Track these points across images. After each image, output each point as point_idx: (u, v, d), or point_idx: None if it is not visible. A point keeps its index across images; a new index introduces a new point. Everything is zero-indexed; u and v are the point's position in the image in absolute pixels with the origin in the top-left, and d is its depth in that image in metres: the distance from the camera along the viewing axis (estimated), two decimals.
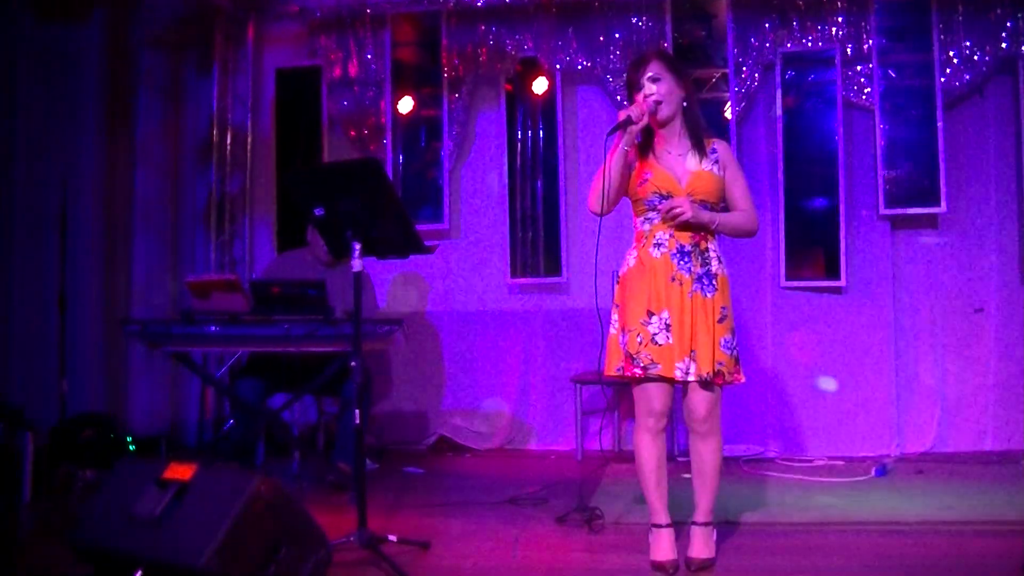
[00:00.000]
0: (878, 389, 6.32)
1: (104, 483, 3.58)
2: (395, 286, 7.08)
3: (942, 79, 6.20)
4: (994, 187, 6.34)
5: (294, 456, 5.93)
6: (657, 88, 3.63)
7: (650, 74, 3.64)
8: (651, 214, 3.70)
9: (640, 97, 3.64)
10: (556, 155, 6.79)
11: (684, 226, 3.63)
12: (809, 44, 6.43)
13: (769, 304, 6.48)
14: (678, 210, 3.59)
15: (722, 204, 3.77)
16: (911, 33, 6.28)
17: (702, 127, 3.78)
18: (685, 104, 3.72)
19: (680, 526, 3.84)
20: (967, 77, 6.24)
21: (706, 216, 3.64)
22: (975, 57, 6.20)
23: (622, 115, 3.57)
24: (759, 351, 6.47)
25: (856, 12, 6.37)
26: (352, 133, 7.07)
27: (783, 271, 6.38)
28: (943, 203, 6.16)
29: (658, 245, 3.66)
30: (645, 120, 3.60)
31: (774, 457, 6.20)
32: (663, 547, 3.70)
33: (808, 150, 6.38)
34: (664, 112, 3.65)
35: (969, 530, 4.25)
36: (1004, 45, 6.15)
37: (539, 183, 6.85)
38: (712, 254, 3.71)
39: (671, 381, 3.64)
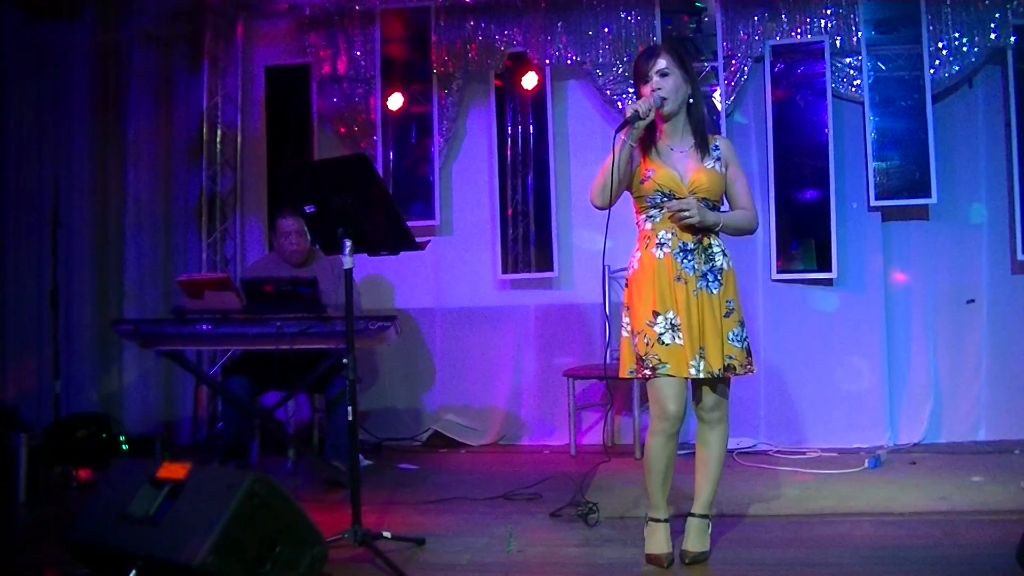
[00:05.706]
0: (871, 380, 6.32)
1: (99, 483, 3.57)
2: (381, 283, 7.07)
3: (931, 70, 6.22)
4: (984, 178, 6.36)
5: (288, 454, 5.93)
6: (664, 83, 3.62)
7: (659, 68, 3.62)
8: (653, 211, 3.68)
9: (647, 90, 3.63)
10: (546, 150, 6.76)
11: (688, 226, 3.63)
12: (798, 36, 6.43)
13: (760, 296, 6.47)
14: (686, 213, 3.57)
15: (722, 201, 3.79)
16: (900, 24, 6.30)
17: (706, 124, 3.77)
18: (691, 100, 3.72)
19: (675, 517, 3.85)
20: (956, 68, 6.25)
21: (712, 218, 3.63)
22: (964, 48, 6.21)
23: (629, 111, 3.54)
24: (751, 343, 6.44)
25: (845, 4, 6.37)
26: (342, 130, 7.05)
27: (774, 263, 6.38)
28: (934, 194, 6.17)
29: (661, 245, 3.64)
30: (652, 116, 3.59)
31: (767, 450, 6.19)
32: (659, 540, 3.70)
33: (798, 142, 6.39)
34: (668, 107, 3.63)
35: (963, 520, 4.26)
36: (993, 36, 6.16)
37: (530, 178, 6.83)
38: (716, 249, 3.70)
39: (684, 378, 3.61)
